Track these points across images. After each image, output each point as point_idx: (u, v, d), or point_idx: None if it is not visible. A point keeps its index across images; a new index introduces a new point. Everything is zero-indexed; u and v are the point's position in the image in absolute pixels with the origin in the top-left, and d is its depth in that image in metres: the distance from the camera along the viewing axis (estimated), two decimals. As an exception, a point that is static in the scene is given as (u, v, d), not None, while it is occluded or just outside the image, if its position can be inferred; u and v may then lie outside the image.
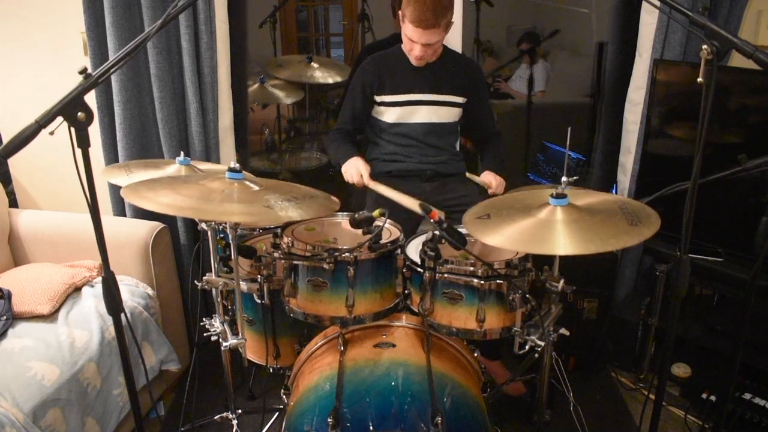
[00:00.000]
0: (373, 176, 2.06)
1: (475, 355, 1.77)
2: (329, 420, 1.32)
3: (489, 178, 2.07)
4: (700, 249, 2.13)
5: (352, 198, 3.04)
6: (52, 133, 1.17)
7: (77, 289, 2.12)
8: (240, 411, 1.96)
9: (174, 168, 1.84)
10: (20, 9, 2.35)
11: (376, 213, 1.57)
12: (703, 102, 1.21)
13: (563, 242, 1.28)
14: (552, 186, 1.69)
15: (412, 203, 1.76)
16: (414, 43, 1.99)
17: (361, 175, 1.98)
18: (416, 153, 2.20)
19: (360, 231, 1.56)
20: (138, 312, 2.08)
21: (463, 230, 1.46)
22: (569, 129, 1.65)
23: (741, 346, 1.53)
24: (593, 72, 3.42)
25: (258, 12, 3.81)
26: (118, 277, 1.41)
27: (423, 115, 2.16)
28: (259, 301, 1.67)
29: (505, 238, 1.33)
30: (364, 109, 2.20)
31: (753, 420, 2.00)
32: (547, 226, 1.33)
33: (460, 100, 2.19)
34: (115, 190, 2.41)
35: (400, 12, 1.98)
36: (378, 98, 2.16)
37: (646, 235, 1.29)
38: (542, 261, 1.59)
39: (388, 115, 2.17)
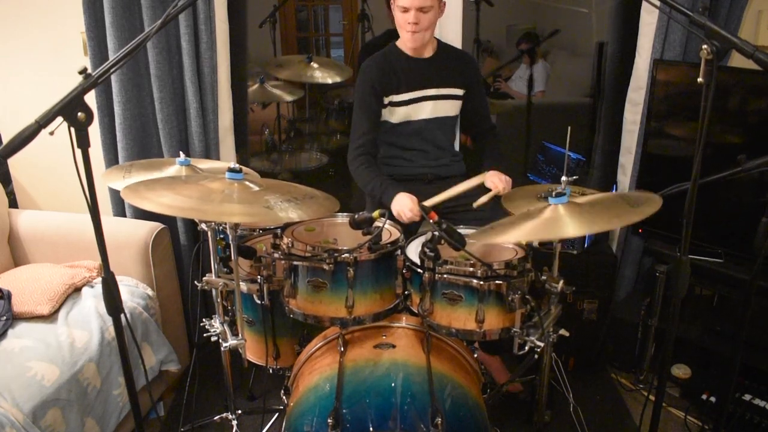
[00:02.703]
0: None
1: (475, 356, 1.77)
2: (329, 420, 1.32)
3: (495, 180, 2.02)
4: (700, 249, 2.13)
5: (352, 198, 3.04)
6: (52, 133, 1.17)
7: (77, 290, 2.12)
8: (240, 411, 1.96)
9: (174, 169, 1.84)
10: (20, 9, 2.35)
11: (375, 214, 1.57)
12: (703, 102, 1.21)
13: (570, 225, 1.33)
14: (551, 185, 1.70)
15: (475, 180, 1.96)
16: (407, 12, 1.98)
17: (412, 210, 1.88)
18: (417, 156, 2.20)
19: (360, 232, 1.56)
20: (138, 312, 2.08)
21: (462, 231, 1.46)
22: (569, 128, 1.65)
23: (741, 346, 1.53)
24: (593, 72, 3.42)
25: (258, 12, 3.80)
26: (118, 278, 1.41)
27: (429, 110, 2.16)
28: (258, 301, 1.66)
29: (515, 235, 1.37)
30: (380, 113, 2.15)
31: (753, 421, 2.00)
32: (553, 220, 1.37)
33: (460, 92, 2.20)
34: (115, 190, 2.41)
35: None
36: (387, 99, 2.13)
37: (648, 212, 1.32)
38: (542, 262, 1.59)
39: (395, 116, 2.16)
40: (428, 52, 2.15)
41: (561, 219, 1.36)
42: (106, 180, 1.80)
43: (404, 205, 1.89)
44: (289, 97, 3.52)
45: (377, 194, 2.01)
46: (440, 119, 2.19)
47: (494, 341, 2.19)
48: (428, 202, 1.90)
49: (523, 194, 1.78)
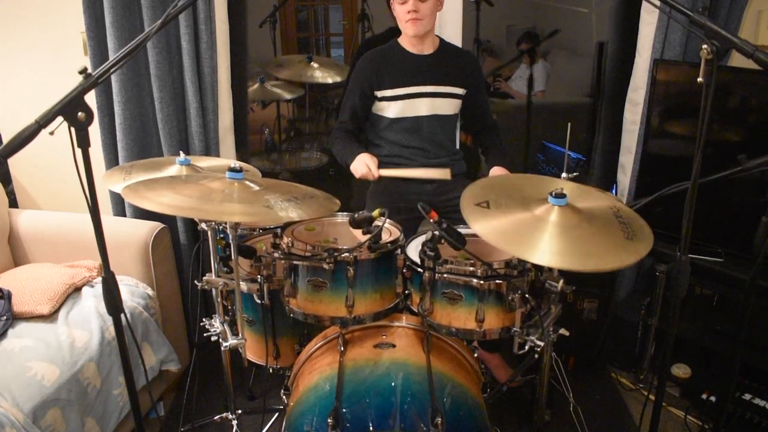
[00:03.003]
0: None
1: (475, 355, 1.77)
2: (329, 420, 1.31)
3: (499, 175, 2.06)
4: (700, 249, 2.13)
5: (352, 198, 3.04)
6: (52, 133, 1.17)
7: (77, 289, 2.12)
8: (240, 411, 1.96)
9: (174, 168, 1.84)
10: (20, 9, 2.36)
11: (375, 213, 1.57)
12: (703, 102, 1.21)
13: (548, 251, 1.26)
14: (554, 177, 1.70)
15: (434, 173, 1.91)
16: (406, 3, 1.99)
17: (369, 168, 1.99)
18: (417, 155, 2.19)
19: (360, 231, 1.56)
20: (138, 312, 2.08)
21: (462, 230, 1.46)
22: (569, 125, 1.65)
23: (741, 346, 1.53)
24: (593, 72, 3.42)
25: (258, 12, 3.80)
26: (118, 277, 1.41)
27: (426, 107, 2.16)
28: (259, 301, 1.66)
29: (495, 234, 1.31)
30: (363, 108, 2.20)
31: (753, 420, 2.00)
32: (540, 228, 1.32)
33: (460, 91, 2.20)
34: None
35: None
36: (379, 94, 2.15)
37: (642, 252, 1.29)
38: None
39: (390, 110, 2.16)
40: (429, 49, 2.15)
41: (546, 231, 1.30)
42: (107, 183, 1.80)
43: (362, 160, 2.02)
44: (288, 95, 3.53)
45: (344, 159, 2.11)
46: (438, 117, 2.18)
47: (493, 339, 2.21)
48: (384, 172, 2.01)
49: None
